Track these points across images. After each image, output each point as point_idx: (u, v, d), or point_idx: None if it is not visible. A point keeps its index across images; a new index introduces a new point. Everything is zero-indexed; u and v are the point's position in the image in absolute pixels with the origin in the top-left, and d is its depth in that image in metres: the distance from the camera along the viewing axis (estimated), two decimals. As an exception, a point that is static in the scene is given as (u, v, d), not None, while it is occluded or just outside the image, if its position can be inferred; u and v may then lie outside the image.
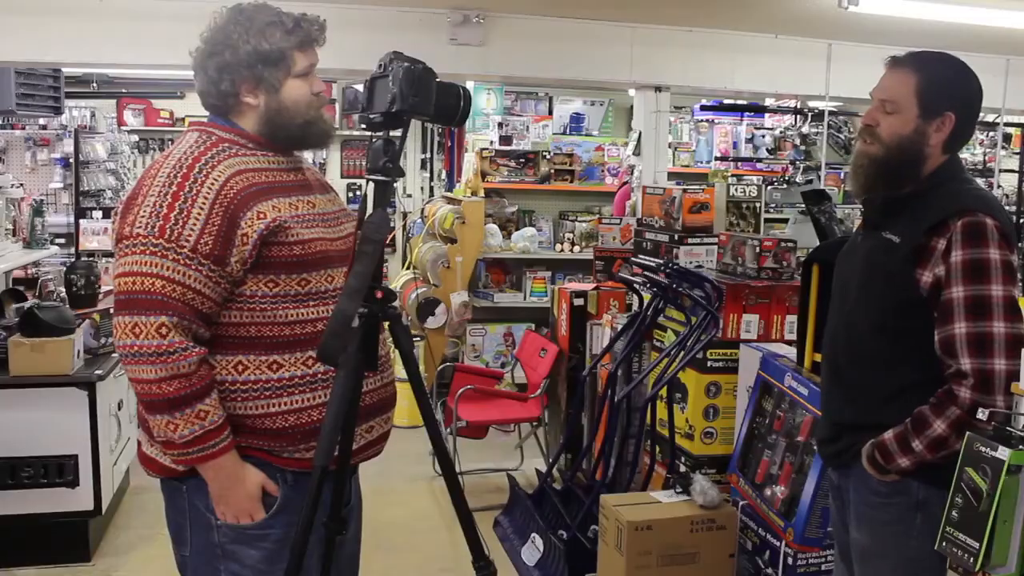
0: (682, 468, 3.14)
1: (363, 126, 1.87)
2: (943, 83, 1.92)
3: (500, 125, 6.60)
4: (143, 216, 1.73)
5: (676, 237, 3.68)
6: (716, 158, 7.35)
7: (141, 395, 1.75)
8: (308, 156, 2.09)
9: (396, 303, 1.92)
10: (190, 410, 1.72)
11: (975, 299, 1.77)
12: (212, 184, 1.76)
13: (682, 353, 2.99)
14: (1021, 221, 6.17)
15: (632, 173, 5.70)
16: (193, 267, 1.72)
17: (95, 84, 7.81)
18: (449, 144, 7.14)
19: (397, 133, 1.82)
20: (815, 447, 2.23)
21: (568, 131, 7.36)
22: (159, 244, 1.71)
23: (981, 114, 2.16)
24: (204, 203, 1.74)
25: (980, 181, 3.25)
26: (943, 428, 1.77)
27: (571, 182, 6.46)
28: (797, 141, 6.11)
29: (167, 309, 1.70)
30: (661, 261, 3.45)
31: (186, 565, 1.92)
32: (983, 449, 1.51)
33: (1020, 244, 1.99)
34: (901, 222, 1.90)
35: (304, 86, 1.89)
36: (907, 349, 1.88)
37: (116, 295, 1.76)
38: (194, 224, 1.72)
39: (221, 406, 1.77)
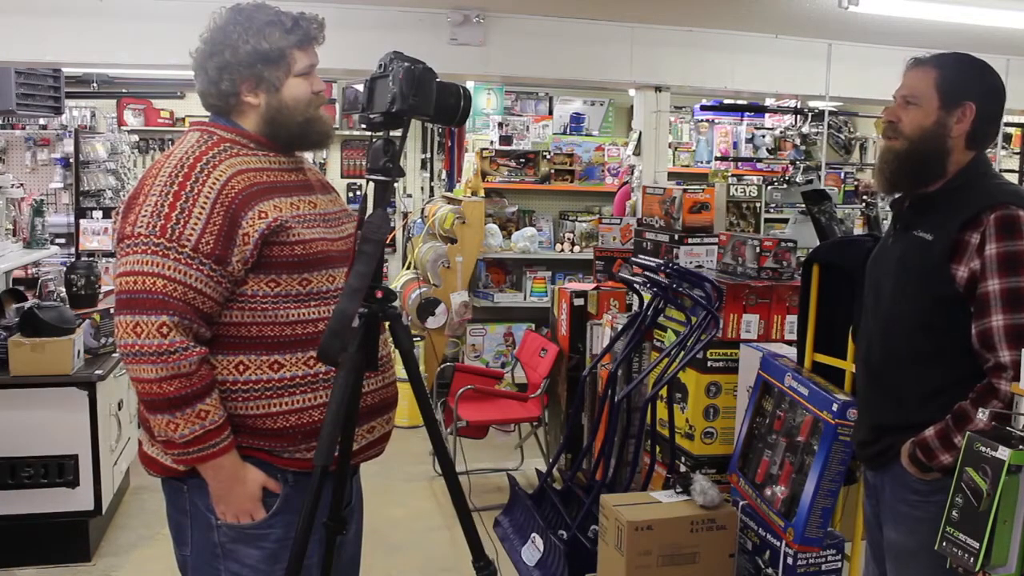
0: (682, 468, 3.14)
1: (363, 126, 1.87)
2: (962, 75, 1.95)
3: (500, 125, 6.61)
4: (144, 216, 1.73)
5: (676, 237, 3.68)
6: (716, 158, 7.36)
7: (142, 395, 1.75)
8: (308, 156, 2.09)
9: (396, 303, 1.92)
10: (191, 410, 1.72)
11: (1011, 291, 1.77)
12: (213, 184, 1.76)
13: (682, 353, 2.99)
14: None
15: (632, 173, 5.70)
16: (194, 267, 1.72)
17: (95, 84, 7.82)
18: (449, 144, 7.14)
19: (397, 133, 1.82)
20: (854, 450, 2.22)
21: (568, 131, 7.36)
22: (160, 243, 1.71)
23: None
24: (205, 203, 1.74)
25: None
26: (985, 423, 1.77)
27: (571, 182, 6.46)
28: (797, 141, 6.12)
29: (168, 309, 1.70)
30: (661, 261, 3.44)
31: (187, 564, 1.92)
32: (983, 449, 1.51)
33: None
34: (933, 220, 1.91)
35: (304, 85, 1.89)
36: (945, 347, 1.88)
37: (117, 295, 1.76)
38: (195, 224, 1.72)
39: (222, 406, 1.77)
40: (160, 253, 1.71)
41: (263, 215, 1.78)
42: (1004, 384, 1.76)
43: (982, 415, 1.76)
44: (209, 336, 1.78)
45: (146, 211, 1.74)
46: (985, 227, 1.81)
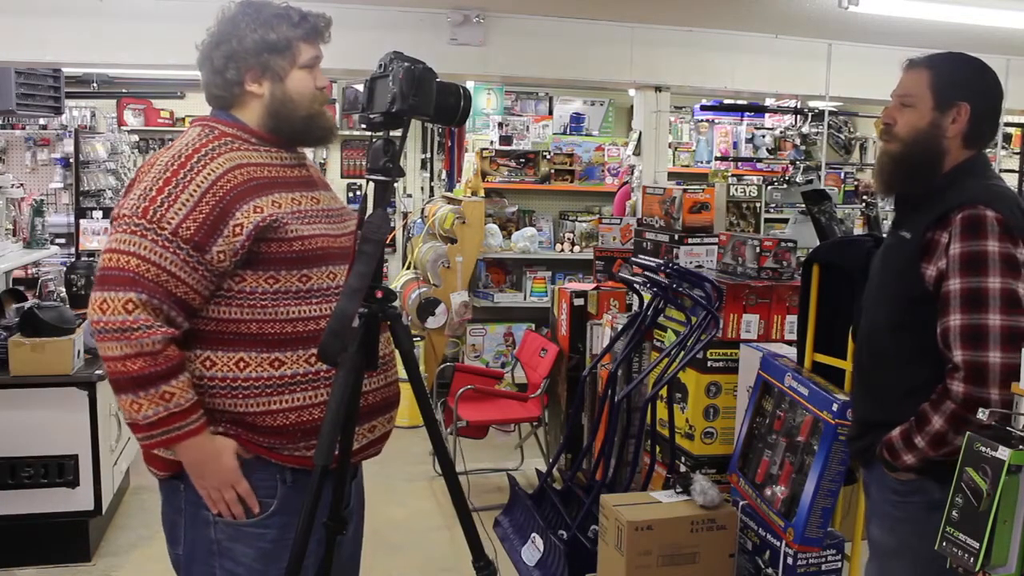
0: (682, 468, 3.14)
1: (363, 126, 1.87)
2: (956, 75, 1.94)
3: (500, 125, 6.61)
4: (132, 198, 1.75)
5: (676, 237, 3.68)
6: (716, 158, 7.36)
7: (109, 374, 1.74)
8: (308, 156, 2.09)
9: (396, 303, 1.92)
10: (154, 390, 1.71)
11: (970, 291, 1.77)
12: (208, 174, 1.76)
13: (682, 353, 2.99)
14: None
15: (632, 173, 5.70)
16: (171, 250, 1.72)
17: (95, 84, 7.82)
18: (449, 144, 7.14)
19: (397, 133, 1.82)
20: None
21: (568, 131, 7.36)
22: (140, 224, 1.72)
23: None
24: (196, 190, 1.74)
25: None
26: (940, 424, 1.77)
27: (571, 182, 6.46)
28: (797, 141, 6.12)
29: (136, 287, 1.70)
30: (661, 261, 3.44)
31: (180, 563, 1.92)
32: (983, 449, 1.51)
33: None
34: (914, 219, 1.91)
35: (308, 78, 1.90)
36: (920, 345, 1.88)
37: (97, 272, 1.77)
38: (180, 208, 1.73)
39: (191, 390, 1.75)
40: (139, 233, 1.72)
41: (259, 209, 1.78)
42: (956, 385, 1.75)
43: (938, 420, 1.77)
44: (185, 325, 1.77)
45: (135, 194, 1.75)
46: (952, 226, 1.81)
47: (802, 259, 2.78)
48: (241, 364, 1.80)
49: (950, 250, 1.80)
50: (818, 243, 3.61)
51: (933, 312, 1.84)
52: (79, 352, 3.68)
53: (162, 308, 1.72)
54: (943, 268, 1.82)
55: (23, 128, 6.75)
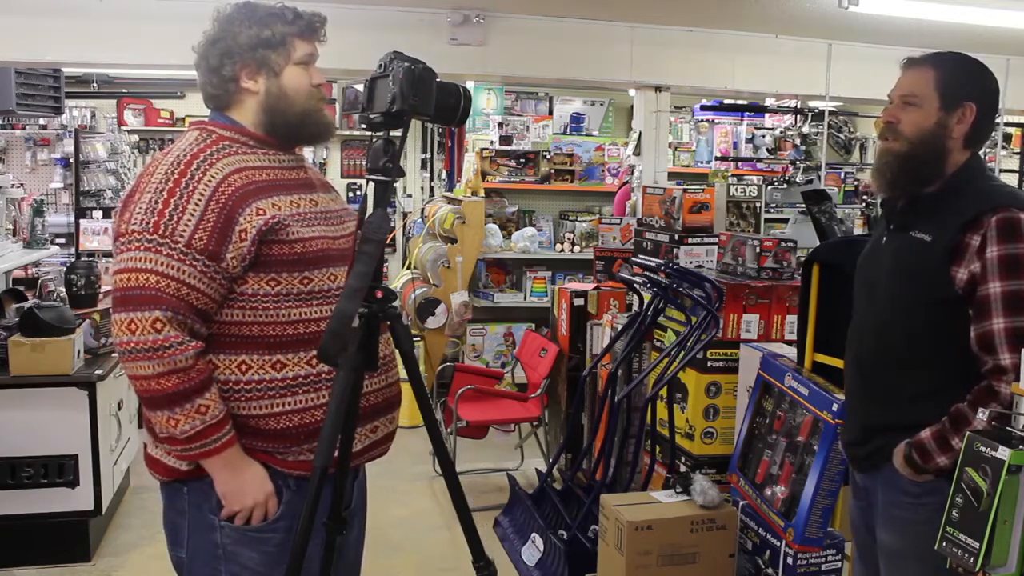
0: (682, 468, 3.14)
1: (363, 126, 1.87)
2: (962, 75, 1.94)
3: (500, 125, 6.61)
4: (139, 212, 1.74)
5: (676, 237, 3.68)
6: (716, 158, 7.36)
7: (141, 392, 1.74)
8: (308, 157, 2.09)
9: (396, 303, 1.91)
10: (190, 405, 1.72)
11: (1012, 294, 1.76)
12: (209, 181, 1.76)
13: (682, 353, 2.99)
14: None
15: (632, 173, 5.70)
16: (188, 262, 1.72)
17: (95, 84, 7.82)
18: (449, 144, 7.14)
19: (397, 133, 1.82)
20: (842, 450, 2.22)
21: (568, 131, 7.37)
22: (153, 240, 1.71)
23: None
24: (200, 199, 1.74)
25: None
26: (984, 424, 1.76)
27: (571, 182, 6.46)
28: (797, 141, 6.12)
29: (161, 304, 1.70)
30: (661, 261, 3.45)
31: (182, 565, 1.91)
32: (983, 449, 1.51)
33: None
34: (931, 221, 1.89)
35: (304, 74, 1.90)
36: (940, 348, 1.87)
37: (113, 292, 1.76)
38: (189, 220, 1.72)
39: (221, 401, 1.77)
40: (153, 249, 1.71)
41: (261, 212, 1.78)
42: (1004, 387, 1.74)
43: (982, 416, 1.76)
44: (206, 333, 1.78)
45: (140, 208, 1.74)
46: (986, 229, 1.80)
47: (802, 259, 2.78)
48: (243, 367, 1.80)
49: (986, 253, 1.79)
50: (818, 243, 3.61)
51: (953, 314, 1.83)
52: (79, 352, 3.68)
53: (187, 322, 1.73)
54: (976, 271, 1.80)
55: (23, 128, 6.75)
